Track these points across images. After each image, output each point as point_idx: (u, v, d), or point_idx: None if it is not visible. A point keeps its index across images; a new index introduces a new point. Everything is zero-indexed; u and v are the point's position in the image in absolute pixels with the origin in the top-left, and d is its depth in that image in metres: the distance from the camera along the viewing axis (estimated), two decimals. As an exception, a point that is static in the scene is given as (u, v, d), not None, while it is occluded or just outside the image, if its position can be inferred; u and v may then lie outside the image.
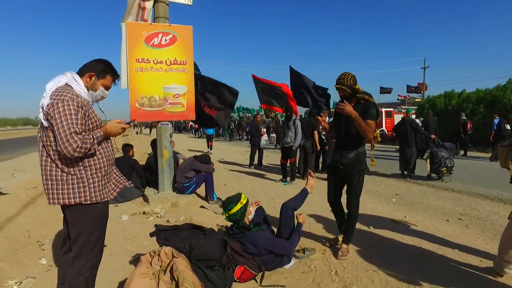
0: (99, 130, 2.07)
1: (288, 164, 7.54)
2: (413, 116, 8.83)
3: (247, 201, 2.94)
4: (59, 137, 1.85)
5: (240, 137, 26.16)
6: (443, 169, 7.00)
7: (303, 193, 3.33)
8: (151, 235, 2.51)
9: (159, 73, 5.35)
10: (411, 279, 2.79)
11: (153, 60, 5.28)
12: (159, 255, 2.00)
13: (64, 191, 1.99)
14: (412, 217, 4.78)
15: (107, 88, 2.27)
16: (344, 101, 3.10)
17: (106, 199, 2.13)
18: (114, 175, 2.30)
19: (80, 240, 2.05)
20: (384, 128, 21.17)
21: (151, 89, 5.33)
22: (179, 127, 40.38)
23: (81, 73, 2.13)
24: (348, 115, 3.04)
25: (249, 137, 12.43)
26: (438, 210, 5.25)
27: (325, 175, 8.06)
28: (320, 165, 8.84)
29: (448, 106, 18.45)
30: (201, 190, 5.59)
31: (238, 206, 2.81)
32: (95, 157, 2.08)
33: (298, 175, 8.02)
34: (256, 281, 2.72)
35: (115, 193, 2.25)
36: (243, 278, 2.65)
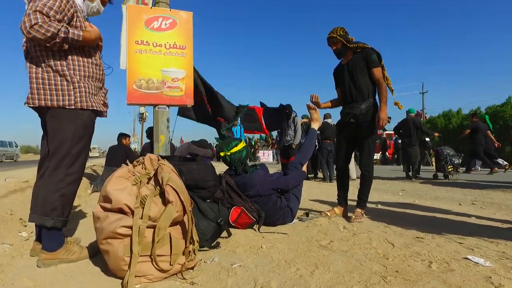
0: (80, 30, 1.89)
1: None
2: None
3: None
4: (25, 13, 1.68)
5: None
6: (449, 167, 6.75)
7: (310, 134, 3.09)
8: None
9: (158, 55, 5.28)
10: (429, 230, 2.52)
11: (153, 43, 5.23)
12: (143, 163, 1.76)
13: (46, 91, 1.80)
14: (422, 202, 4.49)
15: (103, 2, 2.15)
16: (379, 120, 2.85)
17: (94, 108, 1.92)
18: (103, 95, 2.11)
19: (60, 151, 1.82)
20: (386, 152, 20.99)
21: (149, 72, 5.22)
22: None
23: None
24: (385, 119, 2.83)
25: None
26: (448, 198, 4.95)
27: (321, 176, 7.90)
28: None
29: (449, 125, 18.47)
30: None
31: (241, 145, 2.59)
32: (81, 62, 1.90)
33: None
34: (255, 230, 2.44)
35: (105, 108, 2.05)
36: (239, 223, 2.37)
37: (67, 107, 1.82)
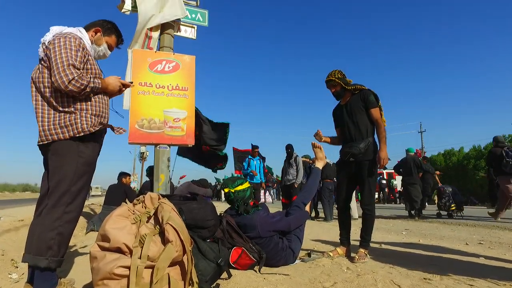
0: (98, 78, 2.02)
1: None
2: None
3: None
4: (56, 67, 1.79)
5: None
6: (452, 205, 6.65)
7: (314, 173, 3.07)
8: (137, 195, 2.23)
9: (160, 97, 5.44)
10: (437, 271, 2.43)
11: (156, 85, 5.42)
12: (143, 201, 1.74)
13: (56, 125, 1.87)
14: (427, 242, 4.37)
15: (110, 47, 2.28)
16: (379, 159, 2.90)
17: (97, 129, 1.97)
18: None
19: (60, 188, 1.82)
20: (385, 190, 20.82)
21: (151, 112, 5.36)
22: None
23: (87, 28, 2.16)
24: (385, 158, 2.89)
25: None
26: (454, 238, 4.83)
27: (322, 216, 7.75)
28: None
29: (449, 163, 18.50)
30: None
31: (246, 184, 2.58)
32: (89, 102, 1.98)
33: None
34: (255, 271, 2.35)
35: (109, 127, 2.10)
36: (240, 263, 2.29)
37: (77, 134, 1.87)
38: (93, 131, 1.93)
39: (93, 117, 1.98)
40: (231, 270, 2.23)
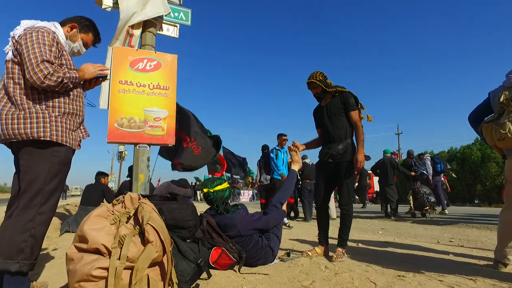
0: (74, 71, 1.97)
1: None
2: None
3: None
4: (29, 64, 1.73)
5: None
6: (426, 207, 6.92)
7: (290, 174, 3.12)
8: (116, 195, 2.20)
9: (141, 95, 5.35)
10: (410, 269, 2.53)
11: (136, 83, 5.32)
12: (123, 202, 1.72)
13: (20, 125, 1.77)
14: (401, 241, 4.53)
15: (85, 45, 2.23)
16: (356, 161, 2.94)
17: (68, 145, 1.91)
18: (82, 130, 2.11)
19: (32, 188, 1.75)
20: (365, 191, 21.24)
21: (131, 111, 5.26)
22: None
23: (62, 23, 2.10)
24: (362, 161, 2.93)
25: None
26: (426, 236, 5.02)
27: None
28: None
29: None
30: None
31: (225, 184, 2.59)
32: (61, 99, 1.92)
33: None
34: (235, 271, 2.37)
35: (79, 146, 2.03)
36: (220, 263, 2.30)
37: (42, 138, 1.79)
38: (63, 143, 1.86)
39: (70, 117, 1.93)
40: (211, 270, 2.24)
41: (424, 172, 8.25)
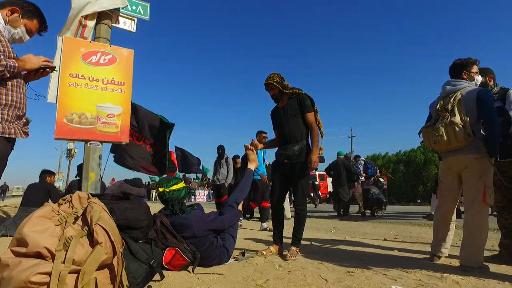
0: (13, 59, 1.81)
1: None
2: None
3: None
4: None
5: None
6: (375, 207, 7.35)
7: (247, 174, 3.15)
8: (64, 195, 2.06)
9: (94, 90, 5.08)
10: (359, 265, 2.68)
11: (89, 77, 5.04)
12: (70, 201, 1.62)
13: None
14: (352, 239, 4.77)
15: (29, 32, 2.06)
16: (310, 162, 3.03)
17: (6, 135, 1.76)
18: (22, 124, 1.95)
19: None
20: (318, 191, 21.96)
21: (83, 106, 4.97)
22: None
23: (1, 5, 1.93)
24: (316, 161, 3.02)
25: None
26: (375, 234, 5.34)
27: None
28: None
29: (381, 166, 20.39)
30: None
31: (181, 184, 2.54)
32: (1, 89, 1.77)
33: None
34: (189, 271, 2.34)
35: (24, 136, 1.88)
36: (173, 264, 2.26)
37: None
38: (8, 132, 1.72)
39: (7, 108, 1.78)
40: (164, 272, 2.19)
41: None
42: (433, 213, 3.28)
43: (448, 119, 2.59)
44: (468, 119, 2.53)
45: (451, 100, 2.64)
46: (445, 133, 2.60)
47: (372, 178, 8.69)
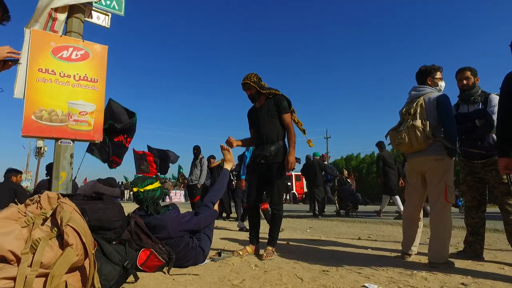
0: None
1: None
2: None
3: None
4: None
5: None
6: (350, 205, 7.53)
7: (222, 174, 3.13)
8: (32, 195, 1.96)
9: (65, 86, 4.88)
10: (334, 264, 2.73)
11: (60, 73, 4.84)
12: (38, 201, 1.55)
13: None
14: (327, 238, 4.86)
15: None
16: (287, 163, 3.07)
17: None
18: None
19: None
20: (294, 191, 22.20)
21: (53, 102, 4.76)
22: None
23: None
24: (293, 162, 3.06)
25: None
26: (349, 233, 5.47)
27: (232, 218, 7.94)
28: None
29: (349, 166, 20.87)
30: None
31: (156, 184, 2.49)
32: None
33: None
34: (164, 272, 2.30)
35: None
36: (148, 266, 2.21)
37: None
38: None
39: None
40: (139, 273, 2.14)
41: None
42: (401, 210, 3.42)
43: (410, 123, 2.74)
44: (428, 122, 2.68)
45: (414, 105, 2.80)
46: (407, 135, 2.76)
47: (336, 179, 8.91)
